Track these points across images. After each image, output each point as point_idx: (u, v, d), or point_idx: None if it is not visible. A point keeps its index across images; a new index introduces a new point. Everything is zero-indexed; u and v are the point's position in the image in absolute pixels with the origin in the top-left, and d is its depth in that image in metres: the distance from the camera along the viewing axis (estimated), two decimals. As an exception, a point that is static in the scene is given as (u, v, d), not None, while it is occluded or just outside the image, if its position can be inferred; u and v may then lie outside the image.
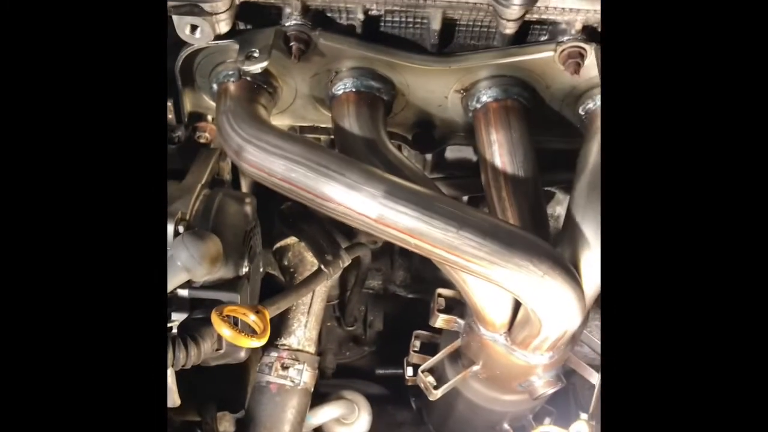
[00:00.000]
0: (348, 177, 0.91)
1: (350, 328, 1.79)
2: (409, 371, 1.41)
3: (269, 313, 0.90)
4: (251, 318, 0.87)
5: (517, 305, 1.04)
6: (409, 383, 1.38)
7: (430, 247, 0.91)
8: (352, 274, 1.66)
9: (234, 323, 0.86)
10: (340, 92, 1.08)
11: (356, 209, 0.91)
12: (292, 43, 1.00)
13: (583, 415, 1.07)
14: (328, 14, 1.02)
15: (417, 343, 1.41)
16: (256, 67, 0.95)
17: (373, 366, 1.88)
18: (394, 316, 1.84)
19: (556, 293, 0.91)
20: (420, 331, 1.39)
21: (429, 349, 1.41)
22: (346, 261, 1.17)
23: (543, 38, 1.04)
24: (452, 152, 1.38)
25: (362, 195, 0.90)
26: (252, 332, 0.87)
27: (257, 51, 0.95)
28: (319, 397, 1.68)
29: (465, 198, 1.45)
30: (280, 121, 1.21)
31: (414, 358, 1.40)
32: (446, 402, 1.33)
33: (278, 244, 1.35)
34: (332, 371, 1.81)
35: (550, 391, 1.16)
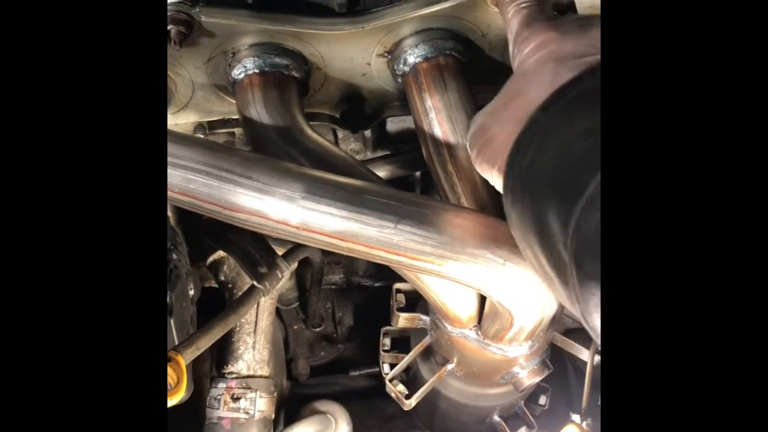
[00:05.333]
0: (257, 180, 0.75)
1: (318, 329, 1.64)
2: (386, 368, 1.28)
3: (186, 358, 0.74)
4: (162, 368, 0.71)
5: (483, 295, 0.90)
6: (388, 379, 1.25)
7: (367, 249, 0.75)
8: (308, 272, 1.51)
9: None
10: (242, 76, 0.91)
11: (273, 216, 0.75)
12: (169, 27, 0.82)
13: (575, 417, 0.93)
14: (210, -14, 0.84)
15: (387, 341, 1.27)
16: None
17: (354, 361, 1.77)
18: (365, 308, 1.71)
19: (522, 280, 0.76)
20: (388, 327, 1.25)
21: (400, 345, 1.28)
22: (285, 270, 1.01)
23: (470, -23, 0.87)
24: (394, 123, 1.22)
25: (277, 198, 0.74)
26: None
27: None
28: (298, 402, 1.55)
29: (417, 174, 1.29)
30: (184, 119, 1.04)
31: (386, 357, 1.26)
32: (428, 401, 1.20)
33: (211, 258, 1.19)
34: (306, 376, 1.68)
35: (537, 380, 1.03)
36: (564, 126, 0.48)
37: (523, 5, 0.65)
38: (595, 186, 0.43)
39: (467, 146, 0.67)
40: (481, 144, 0.62)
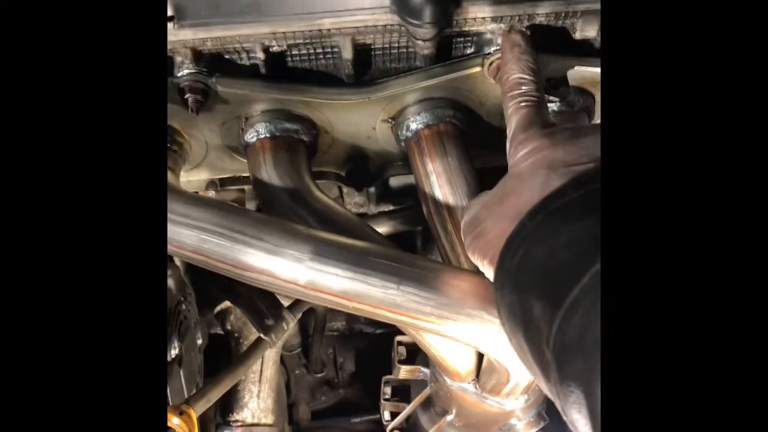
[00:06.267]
0: (267, 241, 0.80)
1: (319, 374, 1.67)
2: (386, 416, 1.31)
3: (197, 410, 0.77)
4: (174, 422, 0.75)
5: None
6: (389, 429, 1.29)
7: (371, 309, 0.80)
8: (311, 318, 1.55)
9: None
10: (254, 140, 0.96)
11: (282, 276, 0.80)
12: (187, 96, 0.88)
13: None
14: (226, 57, 0.90)
15: (387, 390, 1.30)
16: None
17: (355, 405, 1.79)
18: (366, 354, 1.74)
19: (518, 340, 0.80)
20: (389, 377, 1.29)
21: (401, 393, 1.31)
22: (290, 322, 1.05)
23: (469, 51, 0.93)
24: (397, 180, 1.28)
25: (286, 259, 0.79)
26: (176, 440, 0.75)
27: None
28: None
29: (419, 228, 1.34)
30: (197, 176, 1.09)
31: (386, 406, 1.29)
32: (427, 450, 1.22)
33: (218, 308, 1.23)
34: (307, 421, 1.70)
35: (534, 431, 1.06)
36: (549, 234, 0.53)
37: (523, 104, 0.70)
38: (575, 293, 0.48)
39: (461, 232, 0.71)
40: (475, 234, 0.66)
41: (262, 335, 0.99)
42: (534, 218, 0.56)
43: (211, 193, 1.09)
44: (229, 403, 1.20)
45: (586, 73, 0.92)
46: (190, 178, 1.09)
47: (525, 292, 0.54)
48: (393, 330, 1.23)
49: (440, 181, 0.94)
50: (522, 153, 0.64)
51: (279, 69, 0.92)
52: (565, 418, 0.51)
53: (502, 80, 0.76)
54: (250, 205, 1.16)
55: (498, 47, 0.88)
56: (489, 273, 0.65)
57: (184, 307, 1.04)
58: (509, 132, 0.70)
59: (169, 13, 0.81)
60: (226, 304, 1.22)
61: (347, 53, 0.88)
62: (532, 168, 0.61)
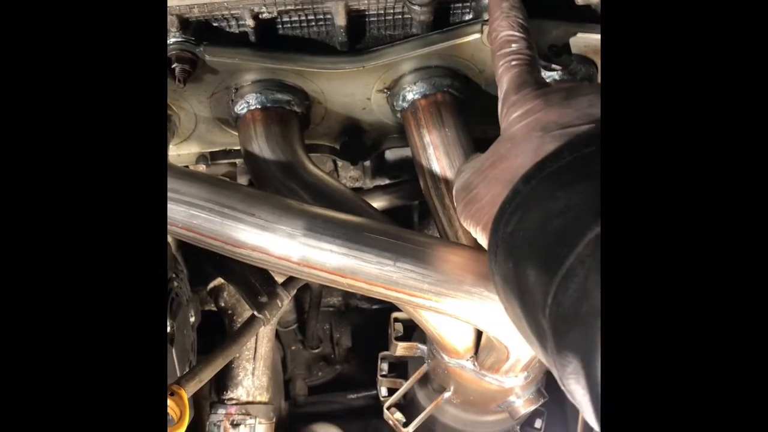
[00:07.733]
0: (259, 216, 0.77)
1: (316, 350, 1.66)
2: (383, 392, 1.30)
3: (188, 391, 0.75)
4: (165, 403, 0.73)
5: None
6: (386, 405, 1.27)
7: (367, 286, 0.77)
8: (307, 294, 1.53)
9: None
10: (244, 111, 0.93)
11: (274, 253, 0.77)
12: (174, 65, 0.84)
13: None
14: (214, 24, 0.86)
15: (384, 366, 1.29)
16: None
17: (351, 381, 1.78)
18: (363, 330, 1.73)
19: (519, 317, 0.78)
20: (386, 353, 1.27)
21: (397, 369, 1.30)
22: (284, 299, 1.03)
23: (467, 17, 0.89)
24: (393, 153, 1.24)
25: (278, 235, 0.76)
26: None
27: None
28: (296, 422, 1.56)
29: (416, 202, 1.31)
30: (187, 150, 1.06)
31: (383, 382, 1.28)
32: (425, 427, 1.21)
33: (211, 285, 1.20)
34: (304, 397, 1.69)
35: (532, 408, 1.04)
36: (544, 200, 0.51)
37: (514, 62, 0.67)
38: (571, 260, 0.46)
39: (453, 198, 0.69)
40: (467, 200, 0.64)
41: (255, 313, 0.97)
42: (528, 183, 0.54)
43: (202, 167, 1.05)
44: (223, 381, 1.18)
45: (588, 41, 0.88)
46: (180, 151, 1.06)
47: (520, 260, 0.52)
48: (389, 305, 1.21)
49: (438, 154, 0.91)
50: (515, 115, 0.62)
51: (269, 37, 0.88)
52: (562, 387, 0.50)
53: (491, 38, 0.73)
54: (242, 180, 1.13)
55: (498, 13, 0.84)
56: (482, 239, 0.63)
57: (175, 284, 1.02)
58: (500, 93, 0.67)
59: (153, -23, 0.77)
60: (220, 280, 1.20)
61: (340, 20, 0.85)
62: (526, 130, 0.59)
